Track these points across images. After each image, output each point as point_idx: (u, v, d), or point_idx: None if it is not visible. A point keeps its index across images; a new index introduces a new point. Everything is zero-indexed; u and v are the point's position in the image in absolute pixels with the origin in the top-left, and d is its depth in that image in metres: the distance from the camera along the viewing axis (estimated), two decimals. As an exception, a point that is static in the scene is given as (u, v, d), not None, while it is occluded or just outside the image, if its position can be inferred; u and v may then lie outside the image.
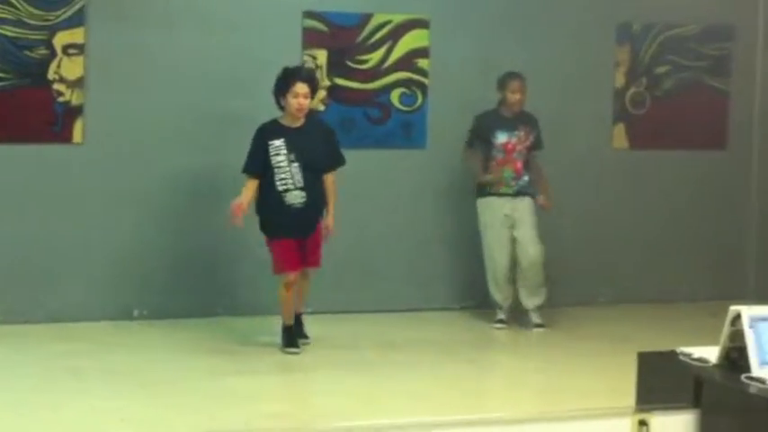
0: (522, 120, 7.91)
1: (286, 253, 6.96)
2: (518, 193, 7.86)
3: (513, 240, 7.85)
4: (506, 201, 7.84)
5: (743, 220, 9.14)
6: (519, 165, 7.85)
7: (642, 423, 4.08)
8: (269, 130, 6.98)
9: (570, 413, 4.61)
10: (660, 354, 4.57)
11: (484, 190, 7.90)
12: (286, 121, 6.99)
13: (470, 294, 8.41)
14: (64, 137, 7.79)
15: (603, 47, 8.82)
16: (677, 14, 8.94)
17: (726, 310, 4.23)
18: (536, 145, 7.97)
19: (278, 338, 7.10)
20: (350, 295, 8.25)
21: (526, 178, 7.88)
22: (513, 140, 7.85)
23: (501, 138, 7.85)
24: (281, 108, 7.01)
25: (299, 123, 6.98)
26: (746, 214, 9.17)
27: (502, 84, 7.89)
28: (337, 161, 7.10)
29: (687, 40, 9.01)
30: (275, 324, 7.20)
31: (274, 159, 6.90)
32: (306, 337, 7.22)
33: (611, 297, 8.78)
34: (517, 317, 7.96)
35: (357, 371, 6.69)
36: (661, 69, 8.97)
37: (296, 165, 6.88)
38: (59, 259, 7.83)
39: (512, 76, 7.87)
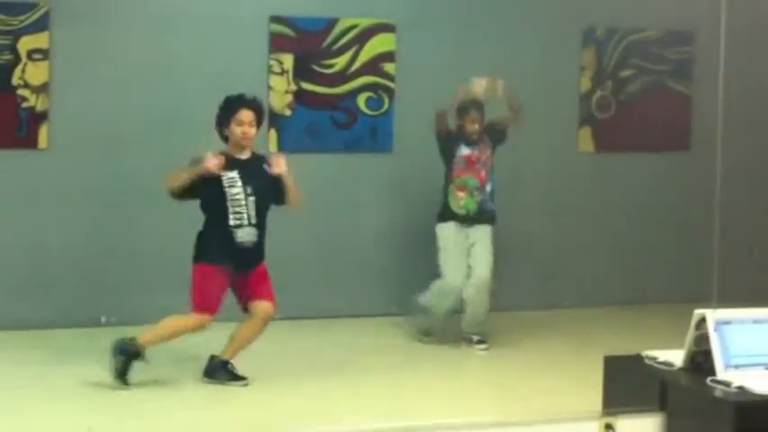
0: (487, 134, 7.66)
1: (212, 287, 6.31)
2: (478, 217, 7.57)
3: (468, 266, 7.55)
4: (465, 227, 7.56)
5: (707, 221, 9.20)
6: (483, 174, 7.60)
7: (608, 426, 4.10)
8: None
9: (536, 417, 4.63)
10: (626, 357, 4.60)
11: (446, 212, 7.60)
12: (234, 153, 6.43)
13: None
14: (29, 142, 7.75)
15: (569, 51, 8.88)
16: (641, 19, 9.01)
17: (691, 313, 4.27)
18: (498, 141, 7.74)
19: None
20: (314, 300, 8.24)
21: (489, 189, 7.62)
22: (476, 152, 7.60)
23: (464, 150, 7.57)
24: (225, 139, 6.50)
25: (247, 155, 6.46)
26: (710, 216, 9.23)
27: (461, 112, 7.58)
28: (283, 201, 6.50)
29: (650, 44, 9.09)
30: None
31: (229, 192, 6.31)
32: (240, 378, 6.48)
33: (576, 300, 8.82)
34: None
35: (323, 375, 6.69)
36: (626, 73, 9.04)
37: (252, 199, 6.33)
38: (25, 265, 7.78)
39: (473, 106, 7.56)
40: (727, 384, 4.08)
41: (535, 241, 8.78)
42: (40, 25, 7.71)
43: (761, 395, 4.01)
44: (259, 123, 6.51)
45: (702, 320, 4.22)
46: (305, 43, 8.27)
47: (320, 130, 8.33)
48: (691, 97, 9.21)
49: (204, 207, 6.41)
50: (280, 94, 8.24)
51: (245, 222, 6.32)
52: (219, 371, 6.46)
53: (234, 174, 6.34)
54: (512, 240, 8.49)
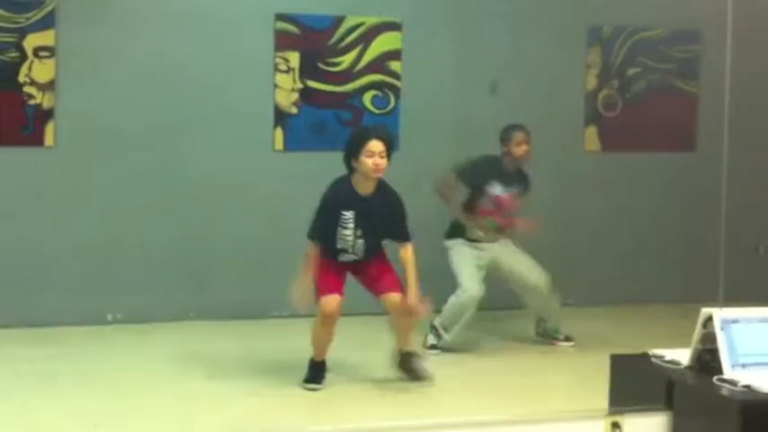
0: (519, 177, 7.50)
1: (327, 276, 6.26)
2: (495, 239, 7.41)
3: (507, 281, 7.47)
4: (483, 247, 7.37)
5: (713, 221, 9.19)
6: (506, 220, 7.43)
7: (615, 425, 4.10)
8: (342, 197, 6.27)
9: (543, 415, 4.63)
10: (633, 356, 4.59)
11: (456, 232, 7.37)
12: (359, 188, 6.28)
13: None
14: (35, 140, 7.75)
15: (575, 50, 8.87)
16: (647, 17, 9.00)
17: (698, 312, 4.26)
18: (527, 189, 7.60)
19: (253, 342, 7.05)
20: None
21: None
22: (507, 195, 7.41)
23: (497, 189, 7.39)
24: (350, 169, 6.32)
25: (371, 190, 6.30)
26: (716, 214, 9.22)
27: (506, 136, 7.38)
28: (401, 237, 6.39)
29: (656, 42, 9.08)
30: (244, 328, 7.16)
31: (340, 231, 6.25)
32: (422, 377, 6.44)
33: (582, 299, 8.81)
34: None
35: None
36: (631, 72, 9.04)
37: (360, 241, 6.29)
38: (31, 263, 7.79)
39: (516, 128, 7.39)
40: (733, 383, 4.07)
41: (541, 240, 8.74)
42: (47, 23, 7.71)
43: (768, 394, 4.01)
44: (389, 154, 6.28)
45: (709, 319, 4.22)
46: (311, 41, 8.28)
47: (326, 128, 8.33)
48: (697, 96, 9.19)
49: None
50: (285, 92, 8.24)
51: (350, 251, 6.32)
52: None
53: (350, 213, 6.26)
54: (516, 238, 8.47)
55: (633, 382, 4.44)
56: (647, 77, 9.07)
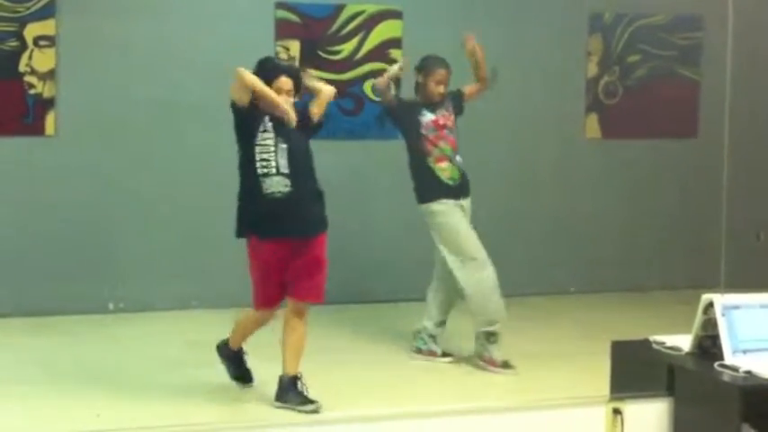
0: (446, 100, 6.86)
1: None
2: (463, 188, 6.75)
3: None
4: (458, 200, 6.70)
5: (714, 208, 9.20)
6: (452, 140, 6.78)
7: (616, 411, 4.11)
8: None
9: (544, 402, 4.64)
10: (634, 342, 4.60)
11: (434, 191, 6.69)
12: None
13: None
14: (36, 129, 7.75)
15: (576, 37, 8.86)
16: (648, 4, 8.99)
17: (698, 299, 4.26)
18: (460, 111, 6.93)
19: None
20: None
21: (459, 158, 6.76)
22: (442, 117, 6.76)
23: (428, 116, 6.75)
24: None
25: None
26: (717, 201, 9.23)
27: (425, 69, 6.82)
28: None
29: (658, 29, 9.06)
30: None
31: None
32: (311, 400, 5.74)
33: (583, 286, 8.82)
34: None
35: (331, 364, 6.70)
36: (633, 59, 9.02)
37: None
38: (32, 252, 7.79)
39: (439, 62, 6.81)
40: (734, 369, 4.08)
41: (542, 227, 8.77)
42: (47, 12, 7.70)
43: (768, 379, 4.01)
44: (296, 93, 5.89)
45: (710, 305, 4.23)
46: (311, 29, 8.26)
47: (326, 117, 8.27)
48: (698, 83, 9.18)
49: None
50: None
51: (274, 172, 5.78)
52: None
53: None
54: (518, 226, 8.50)
55: (634, 369, 4.45)
56: (648, 64, 9.06)
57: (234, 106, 5.72)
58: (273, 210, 5.67)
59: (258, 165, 5.66)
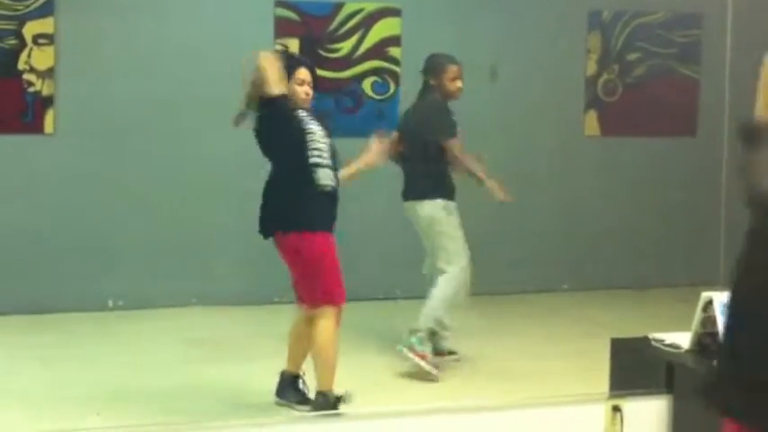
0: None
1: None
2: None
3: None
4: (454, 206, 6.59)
5: (713, 206, 9.21)
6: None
7: (615, 409, 4.11)
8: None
9: (544, 399, 4.64)
10: (633, 340, 4.60)
11: (448, 190, 6.56)
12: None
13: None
14: (35, 127, 7.75)
15: (575, 34, 8.86)
16: (647, 2, 8.99)
17: (698, 296, 4.26)
18: None
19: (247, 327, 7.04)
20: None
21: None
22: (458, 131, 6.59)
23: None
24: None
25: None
26: (716, 200, 9.24)
27: (439, 69, 6.52)
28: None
29: (657, 27, 9.07)
30: (246, 314, 7.17)
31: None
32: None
33: (581, 283, 8.83)
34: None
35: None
36: (632, 56, 9.03)
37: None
38: (31, 250, 7.79)
39: (449, 59, 6.54)
40: (734, 367, 4.07)
41: (540, 224, 8.77)
42: (46, 10, 7.70)
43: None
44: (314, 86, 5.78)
45: (710, 303, 4.22)
46: (310, 28, 8.27)
47: (326, 115, 8.28)
48: (698, 81, 9.18)
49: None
50: (285, 79, 8.23)
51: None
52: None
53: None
54: (517, 223, 8.49)
55: (634, 366, 4.44)
56: (647, 62, 9.06)
57: (276, 100, 5.38)
58: (327, 203, 5.55)
59: (311, 154, 5.45)
